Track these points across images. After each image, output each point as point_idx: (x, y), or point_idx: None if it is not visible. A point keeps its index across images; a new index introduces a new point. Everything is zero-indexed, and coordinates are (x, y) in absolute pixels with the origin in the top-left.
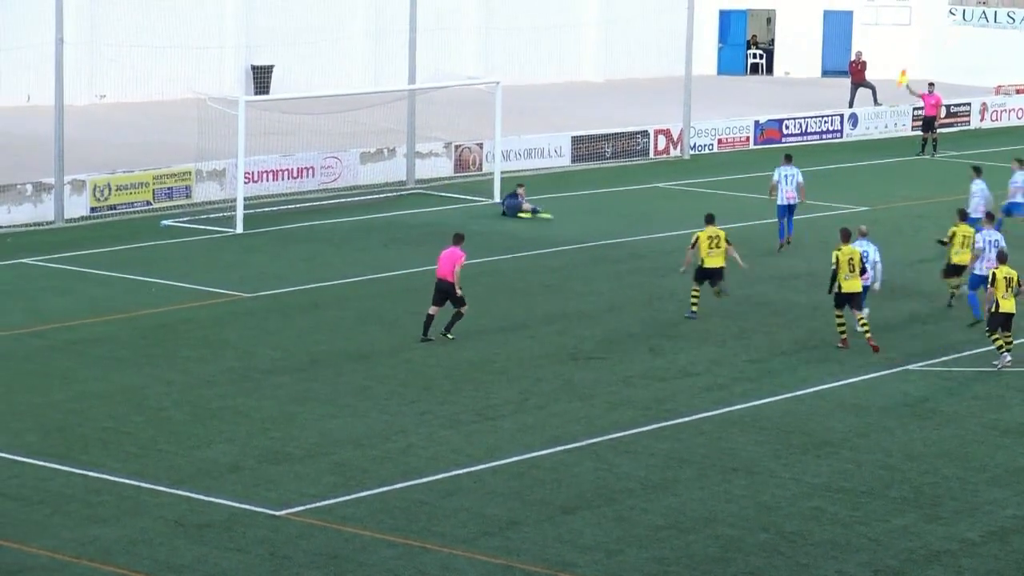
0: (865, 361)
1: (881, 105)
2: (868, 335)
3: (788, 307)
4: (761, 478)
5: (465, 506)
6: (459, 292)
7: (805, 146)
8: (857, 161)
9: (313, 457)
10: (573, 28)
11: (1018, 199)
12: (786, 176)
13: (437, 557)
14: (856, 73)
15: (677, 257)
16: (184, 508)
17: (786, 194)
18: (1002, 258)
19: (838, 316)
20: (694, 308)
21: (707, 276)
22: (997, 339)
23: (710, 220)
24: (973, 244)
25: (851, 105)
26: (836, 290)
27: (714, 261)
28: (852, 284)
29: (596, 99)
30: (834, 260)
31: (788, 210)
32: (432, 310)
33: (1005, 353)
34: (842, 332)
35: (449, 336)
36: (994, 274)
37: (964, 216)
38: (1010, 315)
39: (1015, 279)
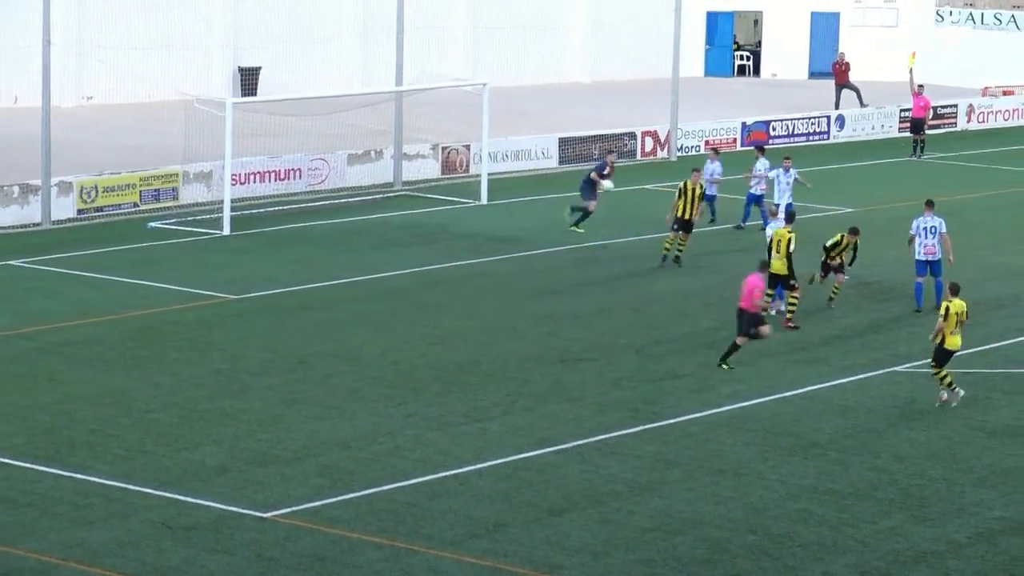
0: (853, 362)
1: (867, 107)
2: (789, 314)
3: None
4: (748, 480)
5: (452, 508)
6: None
7: (792, 147)
8: (844, 163)
9: (300, 459)
10: (561, 30)
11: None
12: (756, 168)
13: (424, 559)
14: (839, 75)
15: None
16: (171, 510)
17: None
18: (954, 290)
19: (767, 293)
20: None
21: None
22: (943, 375)
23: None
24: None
25: (837, 107)
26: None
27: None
28: (775, 265)
29: (583, 101)
30: (944, 311)
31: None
32: (740, 340)
33: (956, 389)
34: (763, 308)
35: (725, 367)
36: (947, 307)
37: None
38: (954, 352)
39: (964, 313)
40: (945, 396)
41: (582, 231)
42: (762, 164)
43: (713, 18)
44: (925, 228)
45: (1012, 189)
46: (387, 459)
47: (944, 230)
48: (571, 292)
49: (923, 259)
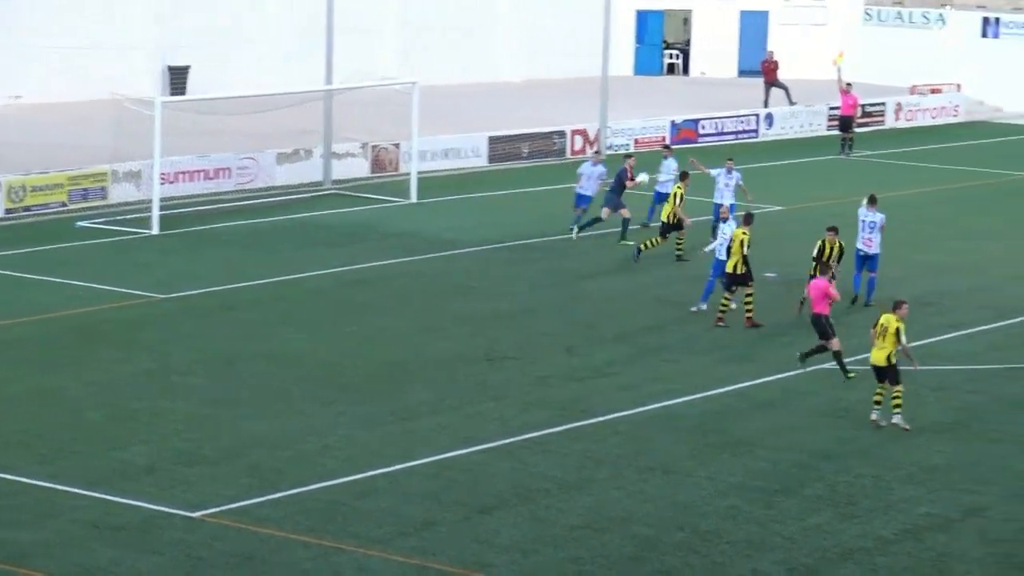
0: (780, 360)
1: (796, 104)
2: (721, 313)
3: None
4: (677, 477)
5: (381, 507)
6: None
7: (721, 146)
8: (773, 161)
9: (228, 458)
10: (491, 28)
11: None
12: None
13: (352, 558)
14: (768, 72)
15: (594, 257)
16: (100, 510)
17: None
18: (894, 305)
19: (725, 297)
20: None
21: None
22: (877, 394)
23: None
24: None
25: (766, 105)
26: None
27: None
28: (729, 265)
29: (514, 99)
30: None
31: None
32: (835, 344)
33: (880, 415)
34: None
35: (805, 367)
36: (878, 317)
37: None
38: (883, 368)
39: (896, 333)
40: (874, 416)
41: (579, 234)
42: (668, 164)
43: (643, 17)
44: (864, 221)
45: (939, 187)
46: (315, 458)
47: (883, 225)
48: (498, 291)
49: (861, 251)
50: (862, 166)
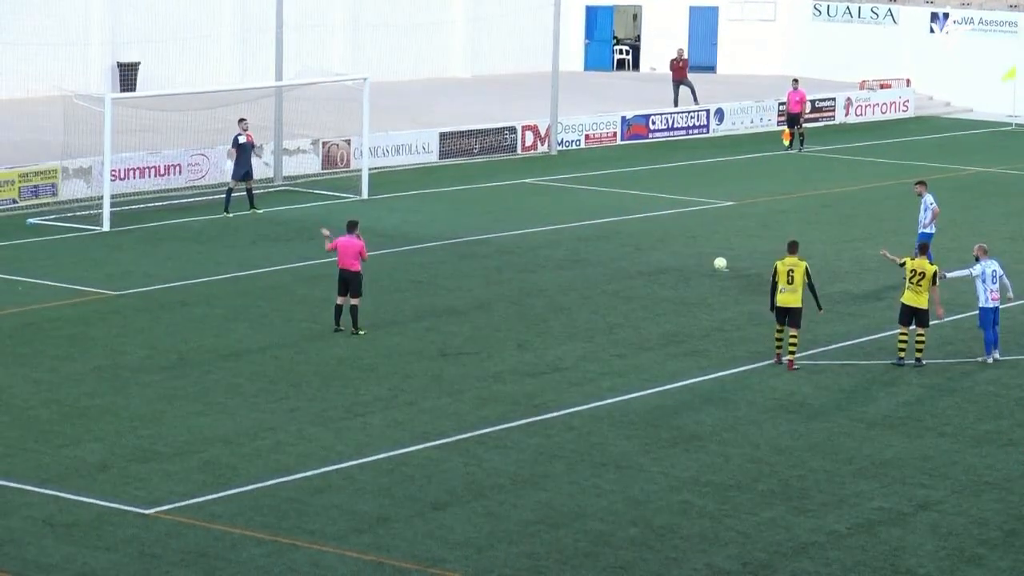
0: (732, 355)
1: (698, 104)
2: (791, 354)
3: (656, 302)
4: (630, 472)
5: (335, 503)
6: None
7: (671, 141)
8: (723, 156)
9: (182, 455)
10: (441, 24)
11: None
12: None
13: (307, 554)
14: (677, 71)
15: (545, 252)
16: (52, 507)
17: None
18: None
19: (777, 330)
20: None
21: (785, 315)
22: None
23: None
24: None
25: (676, 104)
26: (774, 304)
27: (788, 299)
28: (787, 299)
29: (464, 95)
30: (773, 271)
31: None
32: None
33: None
34: (777, 347)
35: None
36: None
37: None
38: (916, 310)
39: (928, 275)
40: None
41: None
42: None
43: (592, 12)
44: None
45: (889, 181)
46: (269, 454)
47: (936, 207)
48: (451, 286)
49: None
50: (813, 161)
